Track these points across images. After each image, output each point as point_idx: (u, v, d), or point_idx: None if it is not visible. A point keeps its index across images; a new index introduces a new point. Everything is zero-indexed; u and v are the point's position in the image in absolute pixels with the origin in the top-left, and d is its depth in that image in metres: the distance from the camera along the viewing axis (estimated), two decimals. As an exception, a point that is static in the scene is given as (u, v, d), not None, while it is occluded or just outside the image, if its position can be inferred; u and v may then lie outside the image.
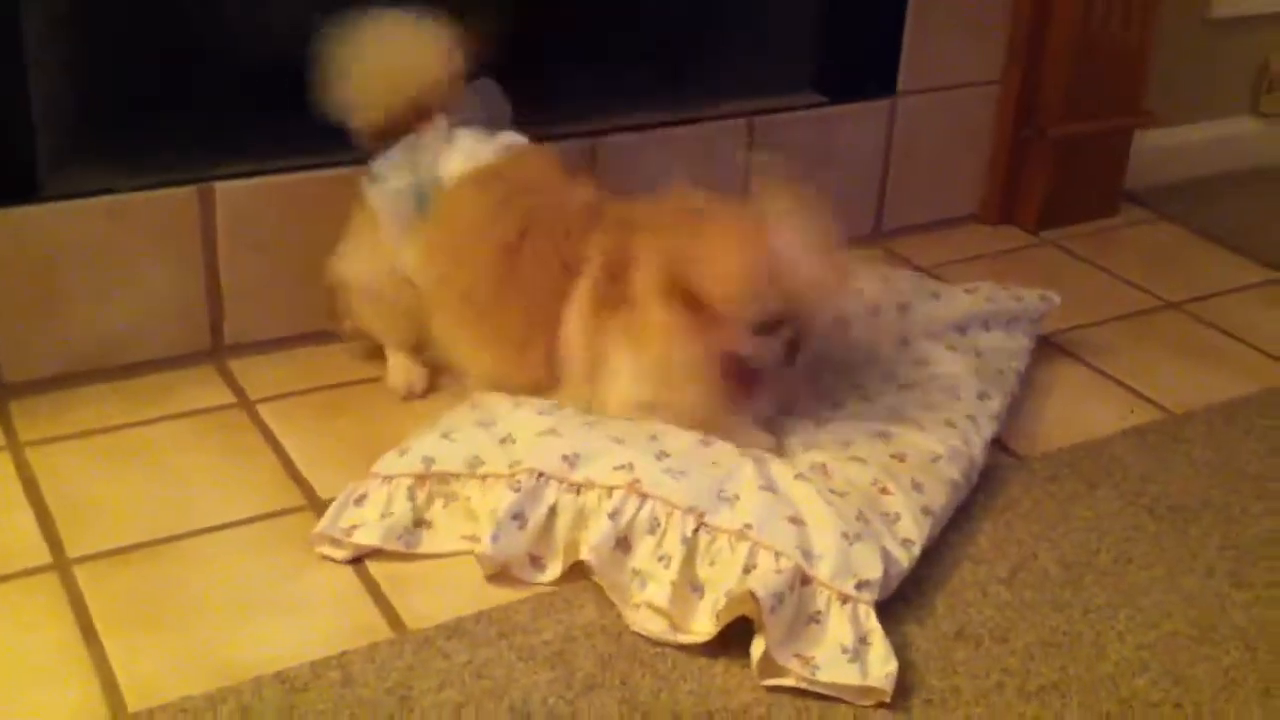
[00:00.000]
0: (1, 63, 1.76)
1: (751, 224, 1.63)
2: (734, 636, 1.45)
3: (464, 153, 1.82)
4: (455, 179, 1.80)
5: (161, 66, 2.03)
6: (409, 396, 1.89)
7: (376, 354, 1.94)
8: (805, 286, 1.63)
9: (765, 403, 1.75)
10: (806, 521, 1.52)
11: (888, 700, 1.40)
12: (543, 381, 1.75)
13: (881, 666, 1.42)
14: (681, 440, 1.64)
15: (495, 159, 1.82)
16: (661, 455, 1.60)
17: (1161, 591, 1.60)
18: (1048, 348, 2.11)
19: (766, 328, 1.63)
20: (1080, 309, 2.22)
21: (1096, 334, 2.18)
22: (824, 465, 1.65)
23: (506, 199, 1.77)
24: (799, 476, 1.59)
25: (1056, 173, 2.50)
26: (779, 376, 1.70)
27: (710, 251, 1.61)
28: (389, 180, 1.83)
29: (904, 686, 1.42)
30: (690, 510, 1.52)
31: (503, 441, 1.64)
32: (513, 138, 1.85)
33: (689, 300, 1.61)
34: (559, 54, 1.89)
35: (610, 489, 1.54)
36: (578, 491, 1.56)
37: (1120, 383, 2.05)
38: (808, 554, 1.48)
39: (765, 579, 1.44)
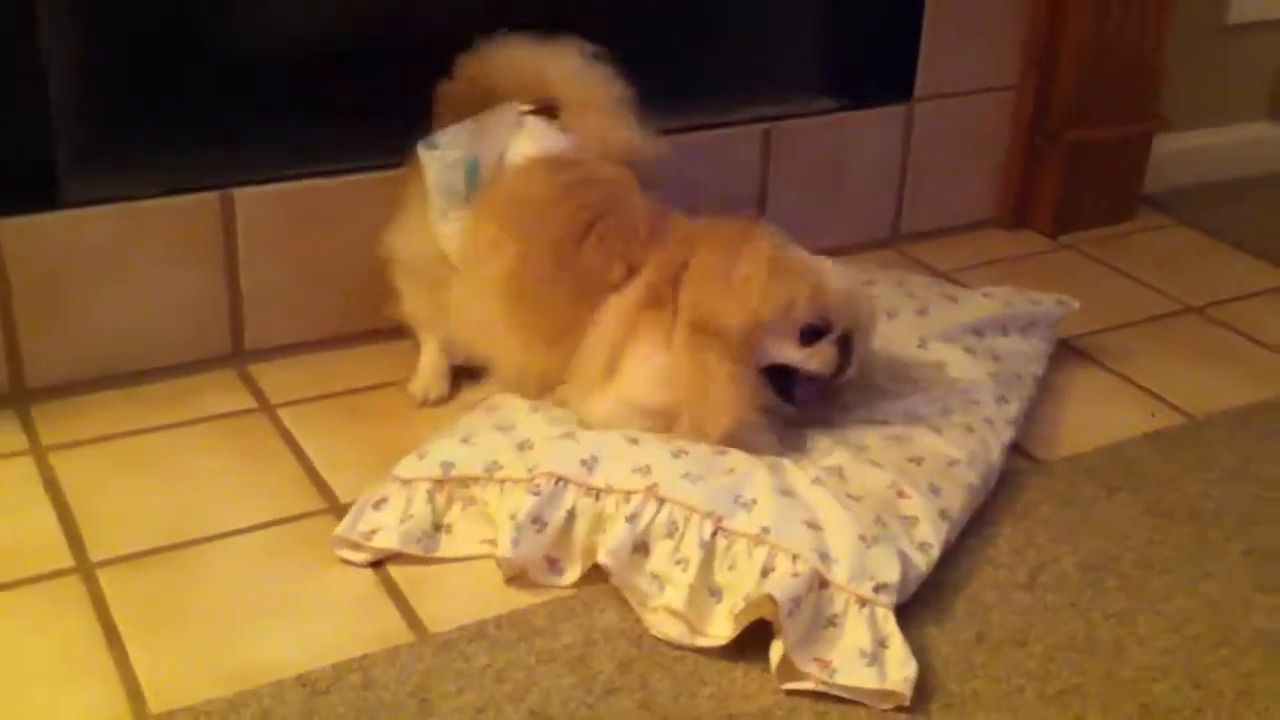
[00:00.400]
0: (21, 69, 1.77)
1: (769, 239, 1.68)
2: (753, 640, 1.45)
3: (536, 138, 1.83)
4: (525, 158, 1.81)
5: (180, 73, 2.05)
6: (424, 404, 1.89)
7: (398, 358, 1.95)
8: (841, 293, 1.68)
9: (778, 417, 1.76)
10: (824, 525, 1.53)
11: (906, 703, 1.40)
12: (555, 375, 1.75)
13: (900, 670, 1.42)
14: (698, 445, 1.64)
15: (570, 148, 1.83)
16: (679, 454, 1.60)
17: (1182, 596, 1.59)
18: (1067, 352, 2.10)
19: (811, 335, 1.67)
20: (1099, 313, 2.22)
21: (1115, 338, 2.18)
22: (840, 469, 1.65)
23: (578, 185, 1.78)
24: (815, 481, 1.59)
25: (1073, 177, 2.50)
26: (835, 387, 1.73)
27: (740, 269, 1.64)
28: (446, 150, 1.83)
29: (923, 690, 1.42)
30: (708, 514, 1.52)
31: (521, 446, 1.65)
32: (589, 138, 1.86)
33: (717, 332, 1.64)
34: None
35: (628, 493, 1.55)
36: (596, 496, 1.56)
37: (1140, 387, 2.04)
38: (825, 557, 1.48)
39: (783, 582, 1.44)
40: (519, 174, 1.80)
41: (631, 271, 1.73)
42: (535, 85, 1.86)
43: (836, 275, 1.70)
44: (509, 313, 1.77)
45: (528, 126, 1.84)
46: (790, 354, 1.68)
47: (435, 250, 1.84)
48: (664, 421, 1.69)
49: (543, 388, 1.77)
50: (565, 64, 1.86)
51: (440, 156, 1.82)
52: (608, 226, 1.75)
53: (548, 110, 1.86)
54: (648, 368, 1.69)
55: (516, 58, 1.86)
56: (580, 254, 1.74)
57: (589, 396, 1.71)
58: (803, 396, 1.71)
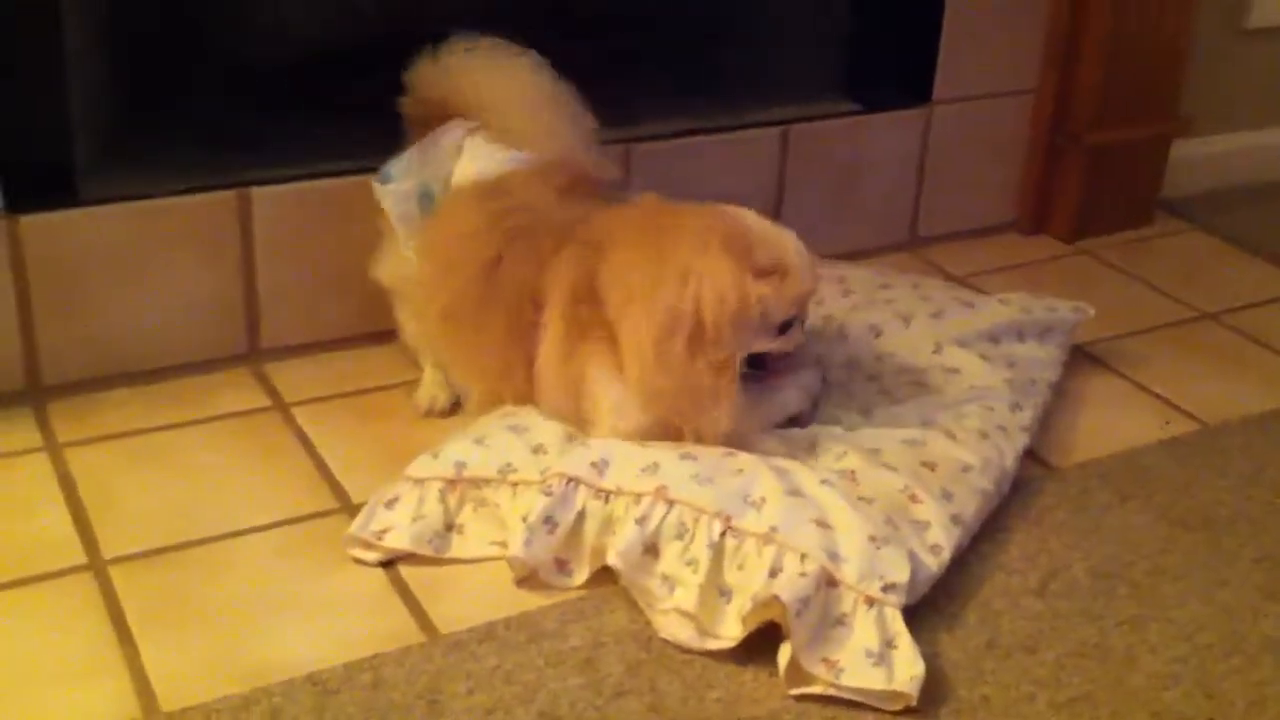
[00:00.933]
0: (41, 68, 1.78)
1: (739, 231, 1.64)
2: (763, 643, 1.45)
3: (478, 159, 1.82)
4: (459, 184, 1.81)
5: (197, 71, 2.06)
6: (429, 414, 1.88)
7: (412, 359, 1.95)
8: (806, 272, 1.67)
9: (778, 412, 1.76)
10: (833, 524, 1.53)
11: (914, 704, 1.40)
12: (522, 400, 1.74)
13: (907, 670, 1.41)
14: (706, 449, 1.65)
15: (502, 171, 1.80)
16: (688, 457, 1.60)
17: (1194, 604, 1.59)
18: (1082, 358, 2.10)
19: (787, 326, 1.68)
20: (1115, 319, 2.22)
21: (1131, 344, 2.17)
22: (852, 472, 1.65)
23: (496, 217, 1.75)
24: (824, 483, 1.59)
25: (1091, 181, 2.50)
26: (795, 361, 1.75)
27: (719, 269, 1.60)
28: (396, 181, 1.84)
29: (933, 696, 1.42)
30: (717, 514, 1.52)
31: (535, 450, 1.65)
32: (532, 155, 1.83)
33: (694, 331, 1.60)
34: (594, 61, 1.89)
35: (638, 495, 1.55)
36: (606, 498, 1.57)
37: (1154, 394, 2.04)
38: (834, 556, 1.48)
39: (790, 583, 1.44)
40: (448, 205, 1.81)
41: (537, 303, 1.70)
42: (487, 103, 1.85)
43: (797, 251, 1.66)
44: (455, 348, 1.80)
45: (467, 148, 1.83)
46: (767, 344, 1.68)
47: (411, 273, 1.85)
48: (660, 435, 1.67)
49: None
50: (518, 84, 1.85)
51: (393, 190, 1.84)
52: (515, 257, 1.72)
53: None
54: (610, 402, 1.67)
55: (468, 74, 1.85)
56: (496, 285, 1.72)
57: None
58: (773, 367, 1.73)
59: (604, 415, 1.67)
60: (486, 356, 1.75)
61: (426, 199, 1.83)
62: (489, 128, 1.85)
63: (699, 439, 1.65)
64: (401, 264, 1.86)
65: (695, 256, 1.60)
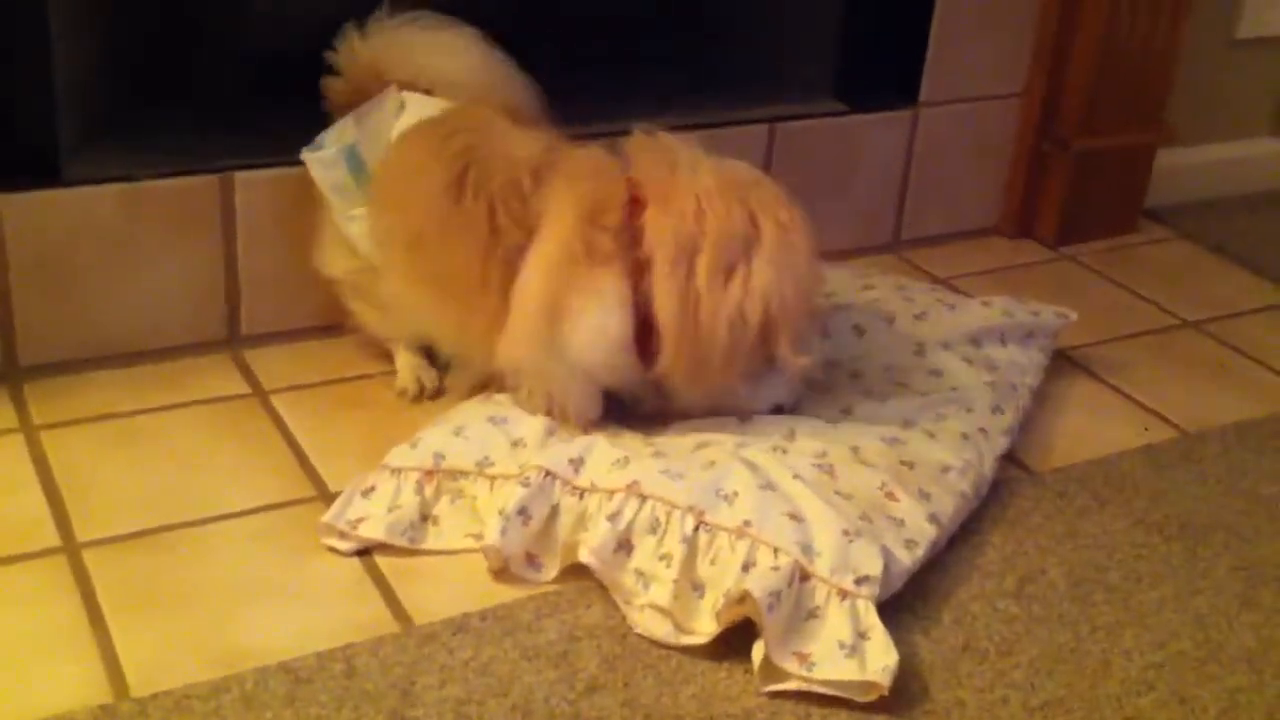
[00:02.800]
0: (26, 47, 1.77)
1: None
2: (739, 639, 1.45)
3: (415, 112, 1.79)
4: (400, 132, 1.79)
5: (183, 55, 2.05)
6: (420, 397, 1.87)
7: (379, 350, 1.94)
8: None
9: (767, 398, 1.76)
10: (806, 518, 1.52)
11: (886, 693, 1.39)
12: (494, 330, 1.69)
13: (880, 660, 1.41)
14: (676, 445, 1.65)
15: (439, 111, 1.79)
16: (658, 455, 1.60)
17: (1169, 611, 1.59)
18: (1063, 363, 2.10)
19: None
20: (1097, 325, 2.22)
21: (1112, 350, 2.18)
22: (831, 467, 1.65)
23: (446, 138, 1.73)
24: (796, 476, 1.59)
25: (1077, 187, 2.50)
26: None
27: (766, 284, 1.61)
28: (324, 147, 1.82)
29: (908, 698, 1.42)
30: (690, 509, 1.52)
31: (514, 444, 1.65)
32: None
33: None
34: (581, 57, 1.89)
35: (610, 492, 1.55)
36: (580, 495, 1.56)
37: (1134, 400, 2.04)
38: (807, 549, 1.48)
39: (762, 577, 1.44)
40: (395, 151, 1.77)
41: (529, 229, 1.66)
42: (428, 71, 1.83)
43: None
44: (423, 284, 1.74)
45: (410, 104, 1.80)
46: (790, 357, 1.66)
47: (358, 261, 1.84)
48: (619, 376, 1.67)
49: (488, 349, 1.71)
50: (460, 51, 1.84)
51: (318, 158, 1.81)
52: (481, 175, 1.69)
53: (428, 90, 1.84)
54: (596, 322, 1.64)
55: (407, 44, 1.83)
56: (460, 208, 1.68)
57: (525, 343, 1.67)
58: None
59: (582, 337, 1.64)
60: (458, 282, 1.70)
61: (354, 160, 1.79)
62: (432, 93, 1.83)
63: (684, 379, 1.65)
64: (345, 253, 1.84)
65: (770, 251, 1.62)
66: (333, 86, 1.87)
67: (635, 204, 1.64)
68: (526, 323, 1.65)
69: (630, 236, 1.63)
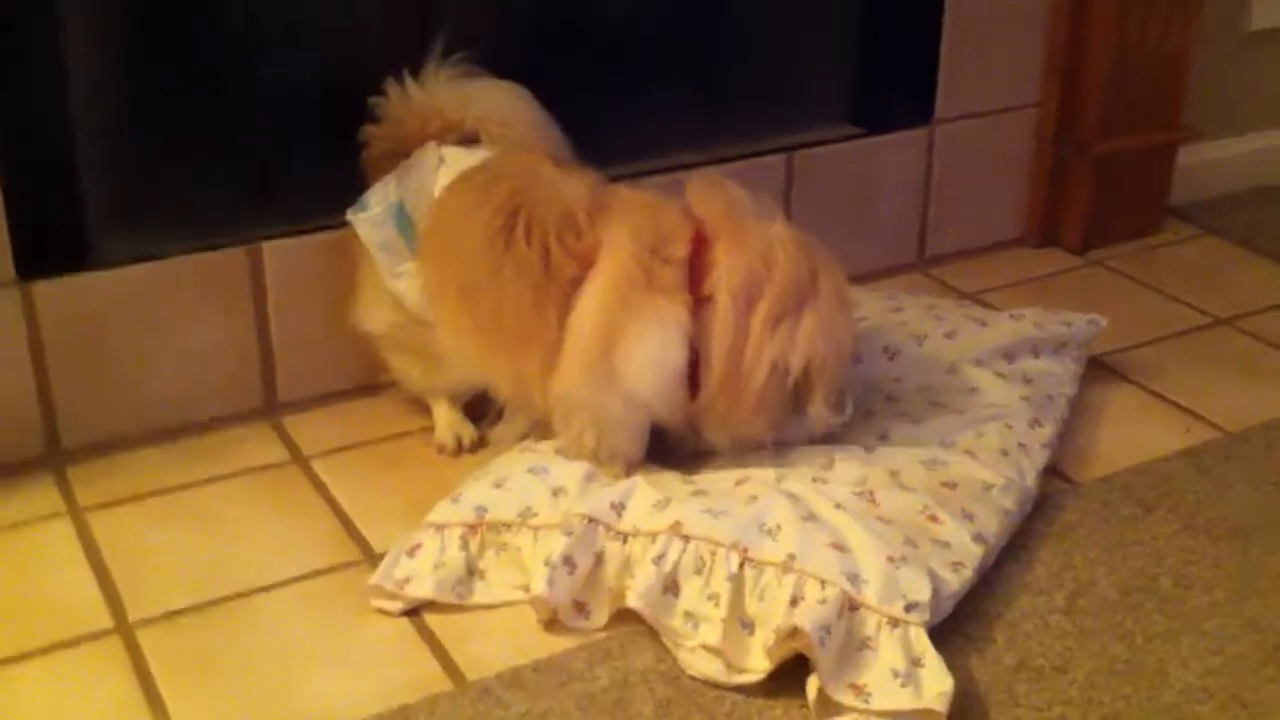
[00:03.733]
0: (49, 133, 1.79)
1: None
2: (793, 674, 1.45)
3: (455, 165, 1.80)
4: (443, 187, 1.79)
5: (203, 129, 2.06)
6: (459, 453, 1.89)
7: (419, 406, 1.95)
8: None
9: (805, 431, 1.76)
10: (850, 547, 1.52)
11: None
12: (549, 373, 1.70)
13: (936, 686, 1.41)
14: (716, 481, 1.65)
15: (481, 160, 1.80)
16: (699, 494, 1.61)
17: (1223, 615, 1.58)
18: (1099, 369, 2.09)
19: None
20: (1129, 329, 2.21)
21: (1147, 354, 2.17)
22: (871, 493, 1.65)
23: (490, 184, 1.74)
24: (838, 506, 1.59)
25: (1099, 192, 2.49)
26: None
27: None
28: (370, 206, 1.83)
29: (965, 721, 1.42)
30: (734, 546, 1.52)
31: (555, 492, 1.65)
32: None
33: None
34: (597, 94, 1.90)
35: (654, 534, 1.55)
36: (624, 540, 1.56)
37: (1173, 403, 2.03)
38: (854, 579, 1.48)
39: (811, 611, 1.44)
40: (441, 204, 1.78)
41: (585, 262, 1.67)
42: (440, 124, 1.85)
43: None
44: (478, 332, 1.74)
45: (447, 159, 1.81)
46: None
47: (399, 317, 1.85)
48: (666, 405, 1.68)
49: (544, 392, 1.71)
50: (459, 96, 1.85)
51: (366, 218, 1.82)
52: (532, 217, 1.69)
53: (467, 141, 1.85)
54: (653, 353, 1.65)
55: (416, 100, 1.86)
56: (513, 249, 1.69)
57: (579, 373, 1.67)
58: None
59: (639, 364, 1.65)
60: (513, 325, 1.70)
61: (402, 218, 1.80)
62: (490, 141, 1.85)
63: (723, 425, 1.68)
64: (388, 308, 1.85)
65: (823, 307, 1.65)
66: (375, 133, 1.88)
67: (700, 240, 1.66)
68: (583, 350, 1.66)
69: (693, 271, 1.65)
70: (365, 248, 1.85)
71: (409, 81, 1.86)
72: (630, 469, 1.70)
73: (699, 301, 1.64)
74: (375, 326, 1.89)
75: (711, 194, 1.70)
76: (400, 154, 1.86)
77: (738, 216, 1.68)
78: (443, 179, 1.80)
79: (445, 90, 1.86)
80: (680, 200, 1.71)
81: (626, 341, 1.64)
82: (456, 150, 1.83)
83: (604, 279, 1.65)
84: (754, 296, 1.63)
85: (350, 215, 1.84)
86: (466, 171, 1.78)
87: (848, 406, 1.72)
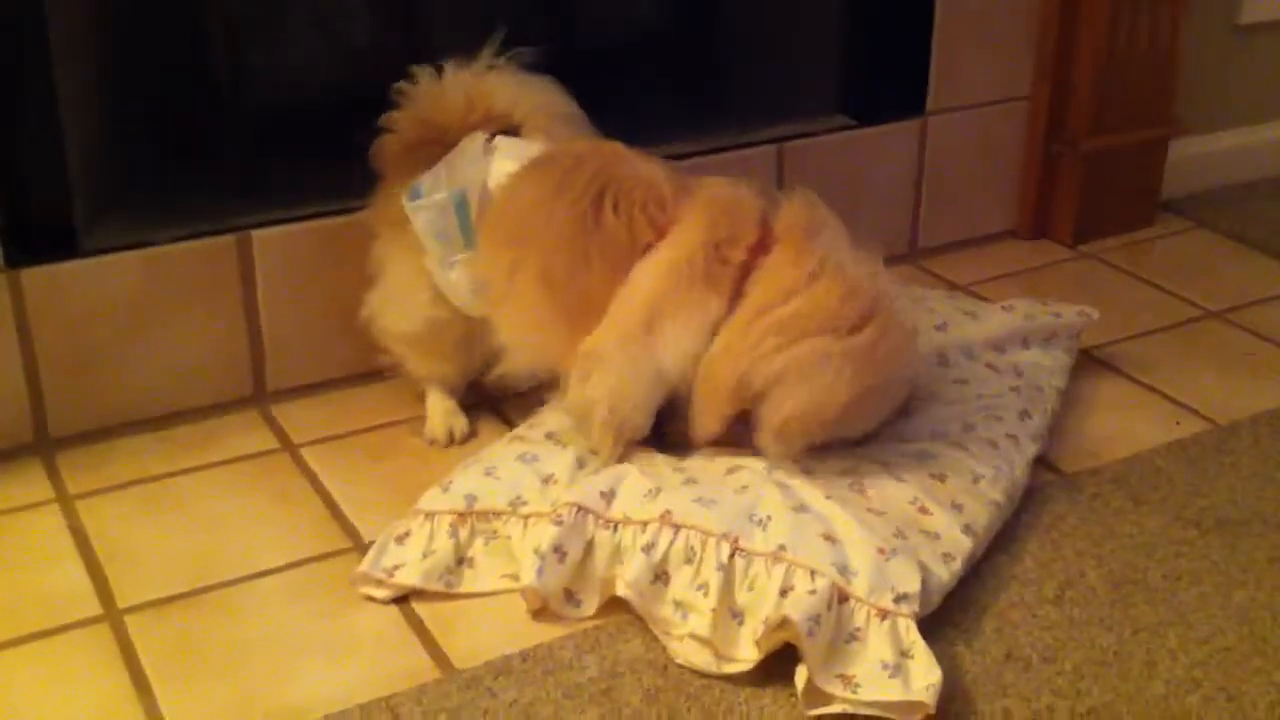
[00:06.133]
0: (37, 121, 1.78)
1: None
2: (782, 664, 1.45)
3: (511, 154, 1.79)
4: (508, 175, 1.77)
5: (192, 116, 2.06)
6: (449, 445, 1.88)
7: (418, 395, 1.95)
8: None
9: None
10: (840, 538, 1.52)
11: (932, 712, 1.39)
12: None
13: (924, 678, 1.41)
14: (707, 469, 1.65)
15: (547, 147, 1.80)
16: (689, 482, 1.61)
17: (1212, 607, 1.58)
18: (1089, 362, 2.09)
19: None
20: (1121, 322, 2.21)
21: (1138, 346, 2.17)
22: (861, 485, 1.65)
23: (572, 169, 1.73)
24: (829, 496, 1.59)
25: (1090, 185, 2.49)
26: None
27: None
28: (429, 195, 1.80)
29: (954, 711, 1.42)
30: (724, 536, 1.52)
31: (545, 480, 1.65)
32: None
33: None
34: (586, 86, 1.90)
35: (644, 524, 1.55)
36: (614, 529, 1.56)
37: (1164, 395, 2.03)
38: (844, 570, 1.48)
39: (801, 601, 1.44)
40: (509, 190, 1.76)
41: (661, 232, 1.69)
42: (484, 114, 1.84)
43: None
44: (555, 313, 1.72)
45: (500, 147, 1.80)
46: None
47: (435, 312, 1.83)
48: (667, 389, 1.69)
49: None
50: (512, 87, 1.84)
51: (429, 203, 1.79)
52: (620, 192, 1.70)
53: (509, 133, 1.84)
54: (687, 341, 1.67)
55: (452, 89, 1.84)
56: (601, 226, 1.69)
57: (618, 337, 1.67)
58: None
59: (670, 343, 1.66)
60: (591, 300, 1.69)
61: (462, 209, 1.78)
62: (532, 132, 1.84)
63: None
64: (425, 304, 1.83)
65: (832, 349, 1.62)
66: (402, 119, 1.84)
67: (761, 248, 1.67)
68: (628, 318, 1.67)
69: (743, 270, 1.66)
70: (392, 242, 1.84)
71: (452, 70, 1.84)
72: (627, 448, 1.70)
73: (735, 297, 1.66)
74: (407, 325, 1.86)
75: (798, 210, 1.71)
76: (429, 141, 1.83)
77: (808, 237, 1.67)
78: (503, 167, 1.78)
79: (496, 82, 1.85)
80: (765, 202, 1.72)
81: (668, 326, 1.66)
82: (511, 140, 1.82)
83: (667, 257, 1.67)
84: (771, 306, 1.64)
85: (408, 203, 1.80)
86: (537, 159, 1.77)
87: (795, 453, 1.68)
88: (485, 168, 1.79)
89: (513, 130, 1.84)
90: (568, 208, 1.70)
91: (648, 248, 1.68)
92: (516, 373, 1.82)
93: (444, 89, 1.84)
